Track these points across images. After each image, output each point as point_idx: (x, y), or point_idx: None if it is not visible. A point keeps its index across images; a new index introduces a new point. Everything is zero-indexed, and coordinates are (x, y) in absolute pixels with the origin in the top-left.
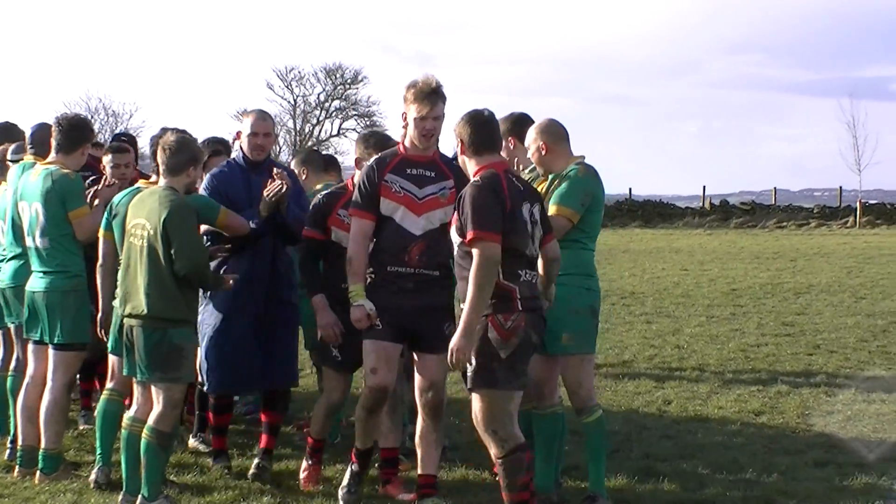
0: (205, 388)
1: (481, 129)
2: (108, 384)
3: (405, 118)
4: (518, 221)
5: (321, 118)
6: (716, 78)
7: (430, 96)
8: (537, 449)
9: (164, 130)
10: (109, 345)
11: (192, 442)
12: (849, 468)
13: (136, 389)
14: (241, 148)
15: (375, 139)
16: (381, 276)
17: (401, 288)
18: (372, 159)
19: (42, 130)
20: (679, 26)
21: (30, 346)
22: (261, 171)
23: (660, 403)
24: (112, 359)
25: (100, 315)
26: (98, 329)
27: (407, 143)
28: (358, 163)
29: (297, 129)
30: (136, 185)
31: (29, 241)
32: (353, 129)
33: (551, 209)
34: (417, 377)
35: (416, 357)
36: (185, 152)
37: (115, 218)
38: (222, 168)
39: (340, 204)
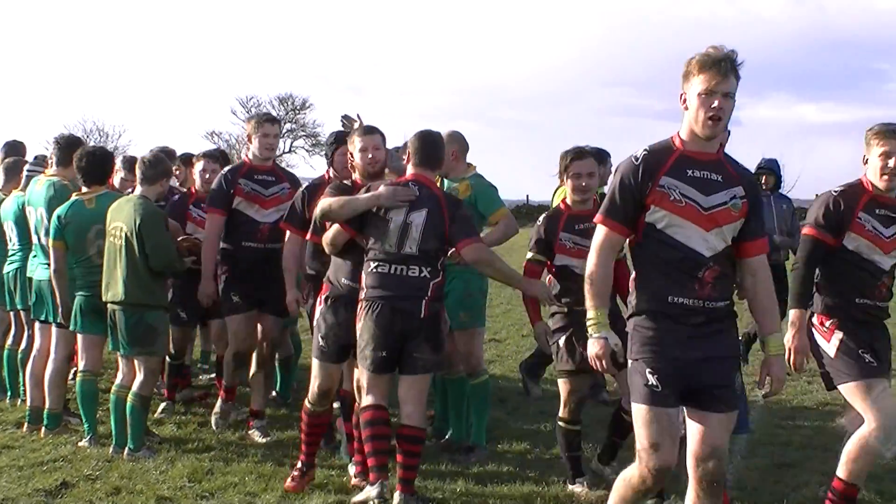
0: None
1: (426, 146)
2: (81, 365)
3: (684, 100)
4: (380, 221)
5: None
6: (595, 107)
7: (720, 65)
8: (451, 406)
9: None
10: (77, 326)
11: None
12: None
13: (121, 362)
14: None
15: None
16: (657, 311)
17: (685, 326)
18: (638, 154)
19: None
20: (565, 65)
21: (36, 325)
22: None
23: (551, 368)
24: (81, 341)
25: (60, 309)
26: (62, 316)
27: (683, 135)
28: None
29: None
30: (75, 198)
31: (35, 239)
32: (302, 148)
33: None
34: (694, 442)
35: (691, 416)
36: (159, 166)
37: (66, 227)
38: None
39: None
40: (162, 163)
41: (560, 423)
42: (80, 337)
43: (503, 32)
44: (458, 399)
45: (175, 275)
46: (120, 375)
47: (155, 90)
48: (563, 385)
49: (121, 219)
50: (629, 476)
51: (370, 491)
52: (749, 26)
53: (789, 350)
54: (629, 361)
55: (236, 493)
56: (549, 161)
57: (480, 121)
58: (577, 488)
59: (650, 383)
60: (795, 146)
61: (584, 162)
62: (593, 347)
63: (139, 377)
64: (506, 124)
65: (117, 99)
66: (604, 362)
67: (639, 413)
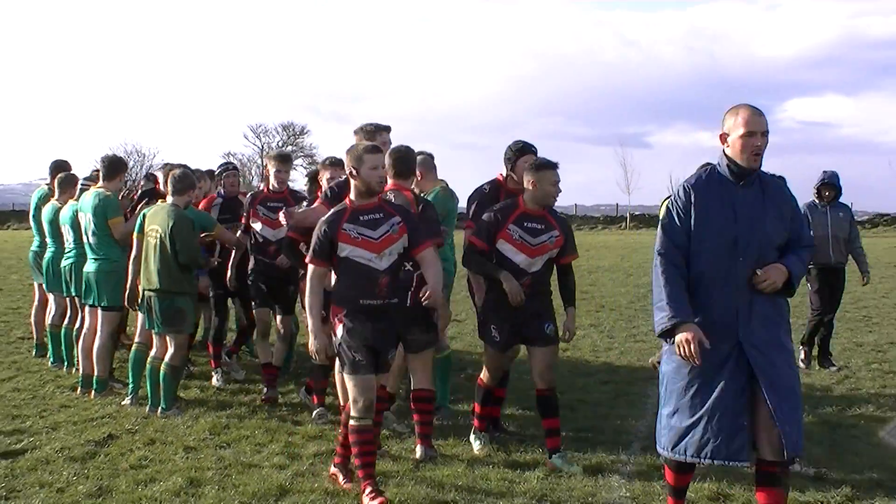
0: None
1: (398, 162)
2: (136, 339)
3: None
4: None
5: None
6: (533, 133)
7: None
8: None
9: (170, 166)
10: (140, 308)
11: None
12: (624, 384)
13: (155, 338)
14: (724, 154)
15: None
16: None
17: None
18: None
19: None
20: (507, 99)
21: (86, 309)
22: (750, 183)
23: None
24: (141, 321)
25: (127, 292)
26: (125, 301)
27: None
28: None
29: (264, 165)
30: (160, 203)
31: (85, 239)
32: (301, 166)
33: None
34: None
35: None
36: (186, 181)
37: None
38: (699, 177)
39: None
40: (188, 177)
41: None
42: (140, 316)
43: (457, 74)
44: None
45: (200, 269)
46: (154, 349)
47: (182, 118)
48: None
49: (157, 222)
50: None
51: (421, 452)
52: (654, 68)
53: None
54: None
55: (248, 444)
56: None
57: (442, 143)
58: None
59: None
60: (695, 165)
61: None
62: None
63: (170, 350)
64: (462, 147)
65: (152, 125)
66: None
67: None
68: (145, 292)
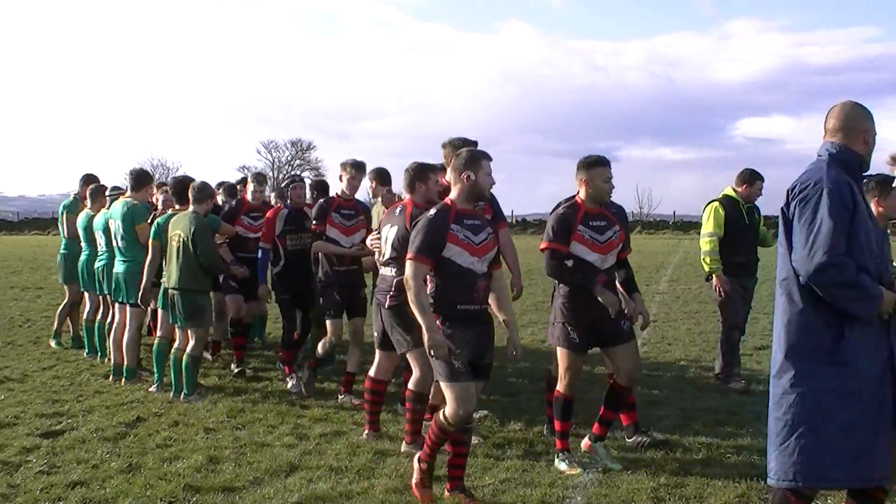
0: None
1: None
2: (159, 333)
3: None
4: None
5: (289, 171)
6: (514, 148)
7: None
8: None
9: (185, 177)
10: (159, 304)
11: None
12: (595, 371)
13: (178, 332)
14: (854, 151)
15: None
16: None
17: None
18: None
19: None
20: (490, 116)
21: (116, 305)
22: None
23: None
24: (161, 316)
25: (140, 293)
26: (139, 299)
27: None
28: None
29: (274, 177)
30: (170, 212)
31: (115, 243)
32: (308, 177)
33: None
34: None
35: None
36: (206, 191)
37: (162, 233)
38: (839, 172)
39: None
40: (208, 188)
41: None
42: (160, 312)
43: (445, 95)
44: None
45: (220, 272)
46: (177, 342)
47: (201, 135)
48: None
49: (180, 227)
50: None
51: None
52: (620, 91)
53: None
54: None
55: (261, 426)
56: None
57: (432, 158)
58: None
59: None
60: (658, 177)
61: None
62: None
63: (191, 342)
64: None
65: (175, 141)
66: None
67: None
68: (169, 290)
